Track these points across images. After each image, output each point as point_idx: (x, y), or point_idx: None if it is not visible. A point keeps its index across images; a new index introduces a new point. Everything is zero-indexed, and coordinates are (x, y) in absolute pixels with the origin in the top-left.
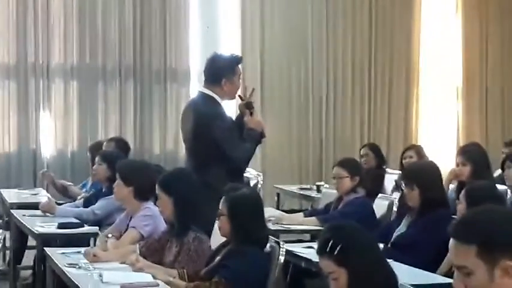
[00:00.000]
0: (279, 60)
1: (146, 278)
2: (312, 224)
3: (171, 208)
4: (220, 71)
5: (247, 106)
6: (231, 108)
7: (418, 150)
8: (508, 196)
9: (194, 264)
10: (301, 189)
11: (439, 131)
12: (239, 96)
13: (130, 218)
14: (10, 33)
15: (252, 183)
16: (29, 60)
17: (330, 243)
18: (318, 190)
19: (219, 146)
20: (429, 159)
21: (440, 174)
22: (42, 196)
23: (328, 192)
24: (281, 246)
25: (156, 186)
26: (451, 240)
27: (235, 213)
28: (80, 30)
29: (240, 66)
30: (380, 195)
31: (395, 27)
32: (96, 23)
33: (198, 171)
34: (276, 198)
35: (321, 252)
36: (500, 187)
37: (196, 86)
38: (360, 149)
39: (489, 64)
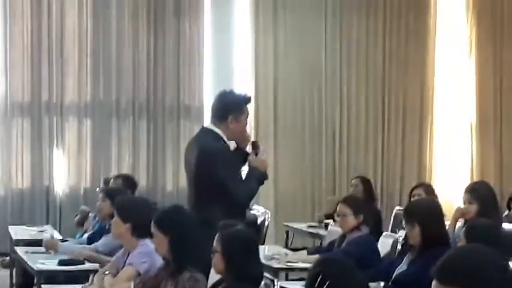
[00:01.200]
0: (292, 92)
1: None
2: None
3: (167, 247)
4: (227, 107)
5: (253, 145)
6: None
7: (427, 188)
8: None
9: None
10: (310, 227)
11: (453, 167)
12: (252, 142)
13: (128, 254)
14: (25, 71)
15: (259, 221)
16: (43, 98)
17: (318, 279)
18: (326, 228)
19: (221, 183)
20: (431, 198)
21: (441, 212)
22: (48, 233)
23: (334, 230)
24: (275, 284)
25: (152, 224)
26: (434, 282)
27: (228, 250)
28: (94, 67)
29: (247, 106)
30: (385, 233)
31: (409, 61)
32: (110, 60)
33: (198, 207)
34: (285, 235)
35: (308, 287)
36: (508, 226)
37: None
38: (351, 180)
39: (503, 100)
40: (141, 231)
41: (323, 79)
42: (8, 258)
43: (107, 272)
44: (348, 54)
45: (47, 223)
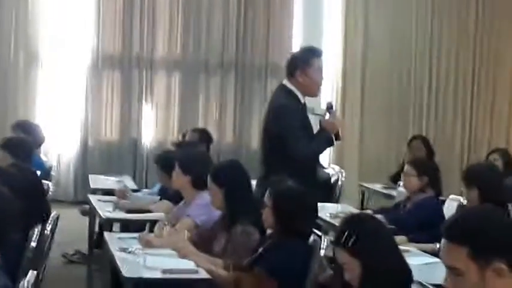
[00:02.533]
0: (381, 60)
1: (188, 265)
2: None
3: (221, 199)
4: (294, 62)
5: (326, 106)
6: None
7: (504, 153)
8: None
9: (240, 257)
10: (384, 187)
11: None
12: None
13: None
14: (116, 25)
15: (332, 180)
16: (133, 51)
17: (344, 235)
18: None
19: (282, 138)
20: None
21: (500, 176)
22: (122, 183)
23: (403, 191)
24: (323, 239)
25: (208, 177)
26: (443, 241)
27: (278, 205)
28: (185, 24)
29: (319, 59)
30: (451, 196)
31: (502, 31)
32: (200, 17)
33: (267, 166)
34: (360, 196)
35: (336, 243)
36: None
37: None
38: (409, 141)
39: None
40: (200, 184)
41: (413, 49)
42: (87, 206)
43: (167, 223)
44: (439, 22)
45: (134, 175)
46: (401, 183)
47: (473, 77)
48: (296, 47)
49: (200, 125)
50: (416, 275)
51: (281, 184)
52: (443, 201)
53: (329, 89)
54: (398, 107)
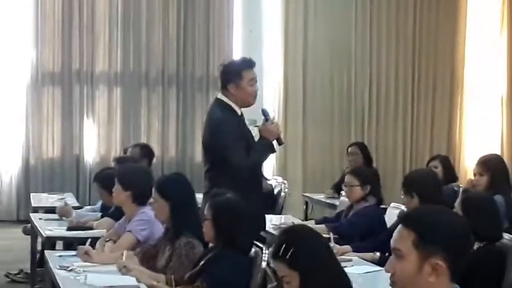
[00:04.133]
0: (321, 68)
1: (129, 281)
2: (321, 231)
3: (167, 212)
4: (226, 76)
5: (262, 113)
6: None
7: (444, 160)
8: None
9: (185, 269)
10: (328, 197)
11: (483, 141)
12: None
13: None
14: (56, 40)
15: (276, 191)
16: (73, 67)
17: (282, 247)
18: None
19: (222, 153)
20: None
21: (440, 183)
22: (63, 200)
23: (345, 201)
24: (264, 251)
25: (153, 190)
26: (398, 226)
27: (218, 218)
28: (124, 38)
29: (251, 70)
30: (392, 204)
31: (439, 37)
32: (140, 31)
33: (210, 179)
34: (304, 206)
35: (274, 256)
36: None
37: None
38: (347, 148)
39: None
40: (141, 199)
41: (352, 56)
42: (29, 225)
43: (108, 239)
44: (378, 32)
45: (77, 192)
46: (343, 192)
47: (413, 84)
48: (237, 57)
49: (143, 139)
50: (358, 284)
51: (220, 196)
52: (385, 209)
53: (271, 99)
54: (340, 115)
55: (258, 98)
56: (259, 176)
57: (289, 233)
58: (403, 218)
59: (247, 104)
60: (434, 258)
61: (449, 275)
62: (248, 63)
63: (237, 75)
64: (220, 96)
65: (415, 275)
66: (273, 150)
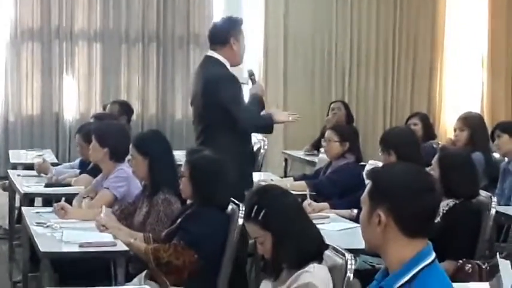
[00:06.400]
0: (302, 28)
1: (106, 237)
2: (300, 188)
3: (145, 169)
4: (227, 29)
5: (248, 74)
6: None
7: (423, 117)
8: (503, 163)
9: (162, 226)
10: (307, 154)
11: (464, 99)
12: (248, 70)
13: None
14: None
15: (255, 148)
16: (53, 24)
17: (254, 208)
18: None
19: (225, 107)
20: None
21: (417, 140)
22: (42, 157)
23: (323, 158)
24: (241, 208)
25: (131, 147)
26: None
27: (195, 175)
28: None
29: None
30: (370, 161)
31: None
32: None
33: (205, 137)
34: (283, 163)
35: (246, 218)
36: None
37: None
38: (331, 104)
39: None
40: (118, 156)
41: (334, 15)
42: (7, 181)
43: (85, 196)
44: None
45: (57, 149)
46: (322, 149)
47: (393, 43)
48: (217, 16)
49: (123, 96)
50: (334, 241)
51: (197, 153)
52: (364, 167)
53: (251, 59)
54: (321, 73)
55: None
56: (251, 136)
57: (261, 194)
58: (368, 171)
59: (238, 62)
60: (380, 209)
61: (400, 229)
62: (241, 20)
63: (236, 28)
64: (212, 54)
65: (366, 224)
66: (263, 107)
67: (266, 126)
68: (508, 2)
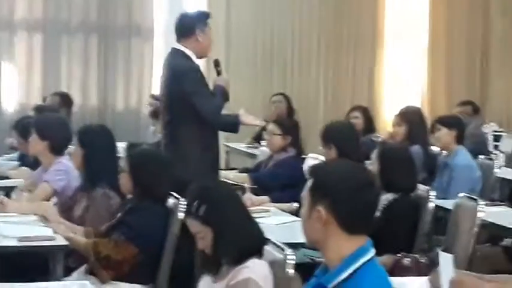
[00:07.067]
0: (244, 20)
1: (45, 232)
2: (242, 180)
3: (80, 159)
4: (192, 21)
5: (214, 64)
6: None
7: (364, 110)
8: (441, 157)
9: (102, 221)
10: (248, 147)
11: (404, 92)
12: (214, 60)
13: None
14: None
15: None
16: None
17: (195, 204)
18: None
19: (189, 99)
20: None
21: (357, 134)
22: None
23: (265, 151)
24: (180, 202)
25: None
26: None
27: (135, 169)
28: None
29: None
30: (310, 155)
31: None
32: None
33: (170, 128)
34: (225, 155)
35: (187, 213)
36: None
37: (160, 42)
38: (272, 97)
39: (455, 25)
40: (58, 149)
41: (275, 7)
42: None
43: (25, 189)
44: None
45: None
46: (263, 142)
47: (335, 35)
48: (158, 7)
49: (64, 87)
50: (275, 235)
51: (137, 148)
52: (305, 160)
53: None
54: (263, 66)
55: None
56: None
57: (201, 190)
58: (309, 167)
59: (206, 53)
60: (320, 206)
61: (340, 225)
62: (208, 14)
63: (202, 20)
64: (178, 46)
65: (307, 220)
66: (228, 99)
67: (232, 124)
68: None
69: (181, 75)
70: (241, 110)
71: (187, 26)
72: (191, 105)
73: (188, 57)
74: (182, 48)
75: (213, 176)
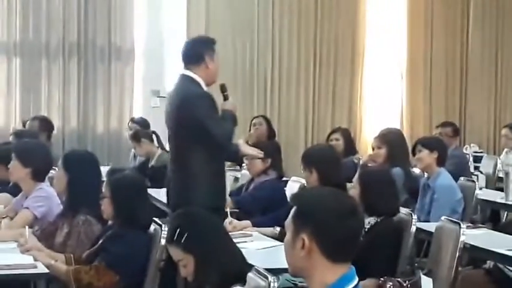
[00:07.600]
0: (224, 40)
1: (26, 259)
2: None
3: (63, 184)
4: (201, 48)
5: (221, 89)
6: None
7: (344, 132)
8: (423, 179)
9: (83, 247)
10: (229, 169)
11: (384, 113)
12: (220, 85)
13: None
14: None
15: None
16: None
17: (176, 232)
18: None
19: (201, 124)
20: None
21: (338, 157)
22: None
23: (246, 174)
24: (163, 228)
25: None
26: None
27: (116, 195)
28: (23, 6)
29: None
30: (293, 177)
31: (341, 11)
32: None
33: (179, 156)
34: None
35: (169, 241)
36: (417, 170)
37: (141, 64)
38: (252, 119)
39: (434, 48)
40: (39, 176)
41: (255, 30)
42: None
43: (5, 216)
44: (281, 4)
45: None
46: (244, 165)
47: (314, 58)
48: (139, 28)
49: (43, 110)
50: (257, 260)
51: (119, 174)
52: (287, 183)
53: (173, 72)
54: (243, 88)
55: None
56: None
57: (183, 217)
58: (292, 195)
59: (214, 80)
60: (303, 234)
61: (324, 253)
62: (214, 39)
63: (210, 47)
64: (188, 73)
65: (290, 248)
66: (236, 123)
67: (234, 152)
68: (426, 16)
69: (193, 100)
70: (240, 140)
71: (197, 53)
72: (202, 131)
73: (198, 84)
74: (191, 75)
75: (222, 201)
